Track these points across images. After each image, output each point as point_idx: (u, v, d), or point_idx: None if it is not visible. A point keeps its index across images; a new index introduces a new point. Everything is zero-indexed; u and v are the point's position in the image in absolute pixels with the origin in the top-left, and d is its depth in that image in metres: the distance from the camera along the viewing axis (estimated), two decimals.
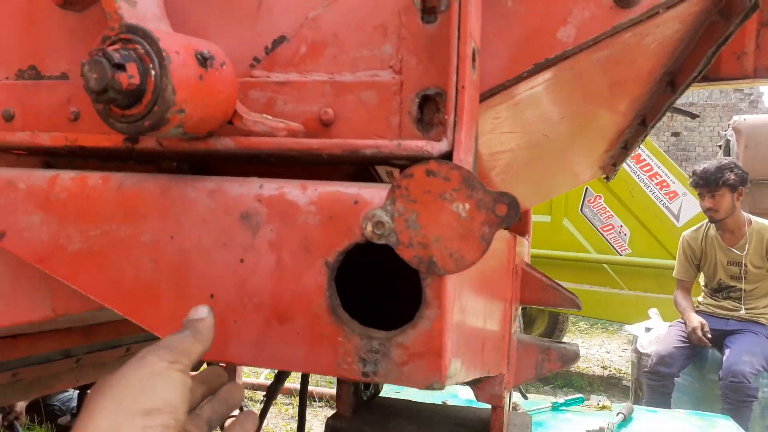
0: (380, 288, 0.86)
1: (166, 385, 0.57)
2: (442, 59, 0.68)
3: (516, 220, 0.56)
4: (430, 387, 0.61)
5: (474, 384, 1.18)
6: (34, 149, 0.79)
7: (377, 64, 0.71)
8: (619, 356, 8.18)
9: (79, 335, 1.49)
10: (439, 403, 1.45)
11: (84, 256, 0.71)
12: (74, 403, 3.13)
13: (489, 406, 1.22)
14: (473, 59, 0.64)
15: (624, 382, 6.75)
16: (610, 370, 7.47)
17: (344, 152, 0.63)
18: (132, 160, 0.81)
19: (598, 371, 7.37)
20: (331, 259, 0.63)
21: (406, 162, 0.67)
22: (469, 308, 0.71)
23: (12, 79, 0.86)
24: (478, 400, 1.20)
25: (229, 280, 0.66)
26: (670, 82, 1.09)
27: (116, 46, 0.57)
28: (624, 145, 1.78)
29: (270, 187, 0.65)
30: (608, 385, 6.54)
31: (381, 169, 0.82)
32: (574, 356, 1.36)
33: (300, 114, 0.73)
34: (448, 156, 0.61)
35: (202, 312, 0.65)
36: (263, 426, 1.92)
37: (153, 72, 0.57)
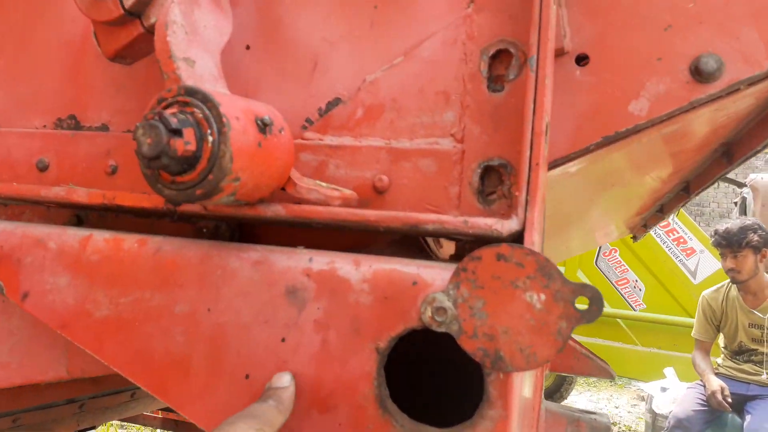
0: (417, 369, 0.80)
1: None
2: (508, 129, 0.64)
3: (598, 316, 0.50)
4: None
5: None
6: (66, 204, 0.75)
7: (438, 131, 0.67)
8: (629, 412, 7.84)
9: (88, 385, 1.42)
10: None
11: (111, 324, 0.66)
12: None
13: None
14: (545, 134, 0.60)
15: None
16: (620, 427, 7.16)
17: (403, 226, 0.58)
18: (167, 218, 0.77)
19: None
20: (383, 345, 0.57)
21: (468, 238, 0.62)
22: (524, 397, 0.65)
23: (50, 128, 0.83)
24: None
25: (267, 360, 0.61)
26: (726, 153, 1.05)
27: (173, 110, 0.54)
28: (660, 209, 1.72)
29: (320, 260, 0.60)
30: None
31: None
32: (606, 429, 1.27)
33: (352, 179, 0.69)
34: (518, 236, 0.56)
35: (284, 380, 0.60)
36: None
37: (211, 138, 0.53)
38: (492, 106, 0.66)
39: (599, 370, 1.29)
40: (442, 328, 0.54)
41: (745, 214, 6.56)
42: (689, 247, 5.94)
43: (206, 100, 0.53)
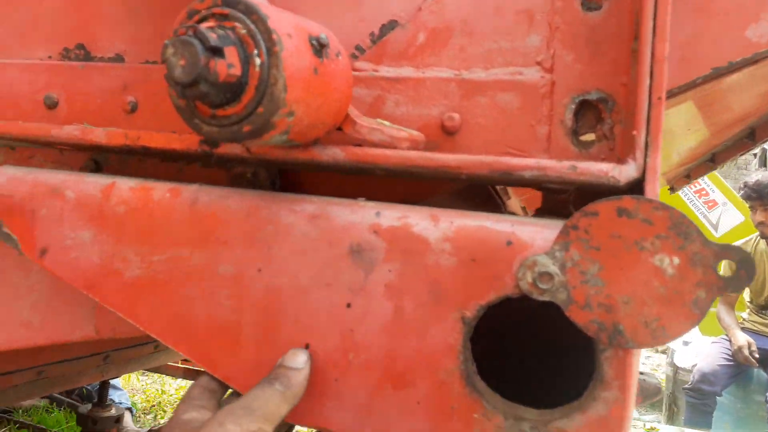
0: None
1: None
2: (609, 56, 0.53)
3: (749, 283, 0.41)
4: None
5: None
6: (82, 146, 0.65)
7: (520, 59, 0.56)
8: (642, 363, 7.98)
9: (108, 341, 1.37)
10: None
11: (144, 285, 0.58)
12: (95, 392, 3.06)
13: None
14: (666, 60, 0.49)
15: None
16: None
17: (492, 172, 0.49)
18: (198, 162, 0.67)
19: None
20: (470, 314, 0.48)
21: (565, 187, 0.52)
22: None
23: (56, 59, 0.72)
24: None
25: (330, 329, 0.52)
26: None
27: (209, 23, 0.43)
28: (711, 158, 1.59)
29: (390, 215, 0.51)
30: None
31: None
32: (656, 391, 1.22)
33: (415, 119, 0.58)
34: (637, 186, 0.46)
35: (299, 360, 0.52)
36: None
37: (258, 61, 0.42)
38: (588, 27, 0.54)
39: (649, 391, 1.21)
40: (545, 296, 0.45)
41: (765, 166, 6.42)
42: (711, 200, 5.83)
43: (250, 11, 0.42)
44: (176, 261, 0.56)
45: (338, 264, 0.52)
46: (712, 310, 4.11)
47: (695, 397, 3.58)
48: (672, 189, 2.01)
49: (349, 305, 0.52)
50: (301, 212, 0.53)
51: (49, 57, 0.72)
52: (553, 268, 0.45)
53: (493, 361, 0.52)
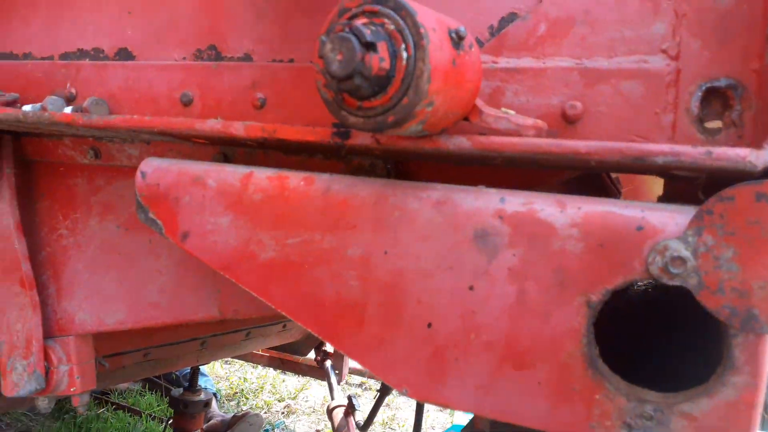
0: None
1: None
2: (740, 42, 0.53)
3: None
4: None
5: None
6: (217, 139, 0.71)
7: (644, 47, 0.56)
8: None
9: (214, 325, 1.47)
10: None
11: (277, 266, 0.63)
12: (182, 378, 3.25)
13: None
14: None
15: None
16: None
17: (624, 158, 0.49)
18: (320, 154, 0.72)
19: None
20: (595, 299, 0.50)
21: (697, 173, 0.52)
22: None
23: (190, 59, 0.79)
24: None
25: (452, 310, 0.55)
26: None
27: (361, 20, 0.46)
28: None
29: (515, 201, 0.53)
30: None
31: None
32: None
33: (535, 108, 0.60)
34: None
35: None
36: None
37: (405, 54, 0.45)
38: (717, 14, 0.54)
39: None
40: (676, 281, 0.46)
41: None
42: None
43: (399, 7, 0.45)
44: (308, 244, 0.61)
45: (462, 248, 0.54)
46: None
47: None
48: None
49: (471, 288, 0.54)
50: (427, 199, 0.56)
51: (184, 58, 0.79)
52: (686, 253, 0.45)
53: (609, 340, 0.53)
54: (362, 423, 2.00)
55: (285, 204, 0.62)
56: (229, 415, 2.89)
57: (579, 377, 0.51)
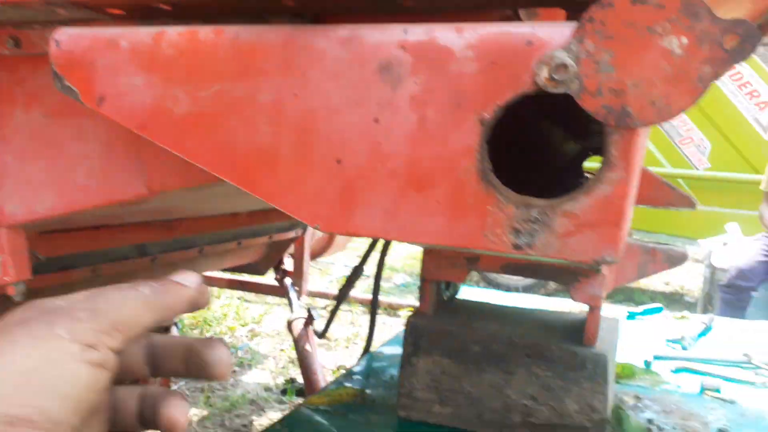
0: None
1: (58, 384, 0.36)
2: None
3: (751, 53, 0.43)
4: (599, 262, 0.50)
5: (571, 284, 1.08)
6: (132, 5, 0.70)
7: None
8: (683, 274, 7.89)
9: (157, 230, 1.46)
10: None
11: (192, 120, 0.63)
12: None
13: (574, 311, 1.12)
14: None
15: (687, 298, 6.52)
16: (673, 286, 7.24)
17: None
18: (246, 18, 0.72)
19: (660, 287, 7.13)
20: (488, 115, 0.52)
21: None
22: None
23: None
24: (574, 300, 1.10)
25: (360, 143, 0.57)
26: None
27: None
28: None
29: (417, 31, 0.54)
30: (671, 301, 6.33)
31: None
32: (682, 257, 1.23)
33: None
34: None
35: (189, 279, 0.48)
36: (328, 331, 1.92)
37: None
38: None
39: (680, 199, 1.23)
40: (560, 88, 0.49)
41: None
42: (763, 101, 5.62)
43: None
44: (220, 94, 0.62)
45: (368, 82, 0.56)
46: (754, 213, 4.02)
47: (730, 293, 3.57)
48: None
49: (377, 120, 0.56)
50: (334, 37, 0.57)
51: None
52: (569, 60, 0.48)
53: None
54: (320, 332, 2.05)
55: (196, 57, 0.62)
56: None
57: (473, 191, 0.53)
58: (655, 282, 7.37)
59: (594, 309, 1.06)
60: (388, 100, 0.55)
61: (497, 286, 5.75)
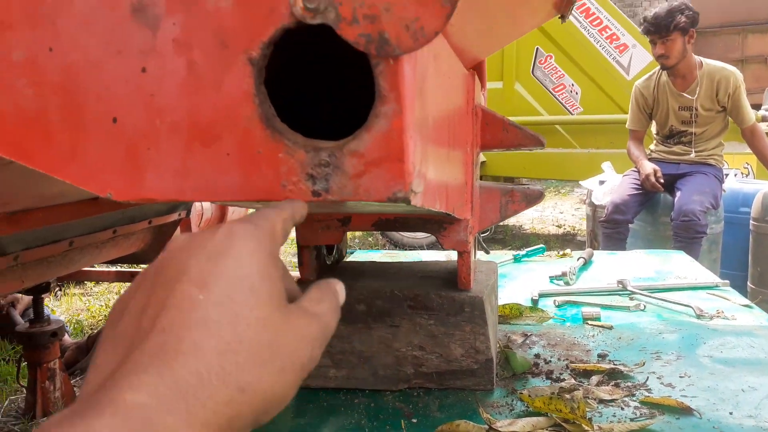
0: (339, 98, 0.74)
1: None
2: None
3: None
4: (393, 199, 0.51)
5: (438, 232, 1.12)
6: None
7: None
8: (572, 215, 8.57)
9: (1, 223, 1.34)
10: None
11: None
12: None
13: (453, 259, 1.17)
14: None
15: (578, 238, 7.10)
16: (565, 228, 7.84)
17: None
18: None
19: (553, 230, 7.72)
20: (255, 54, 0.49)
21: None
22: (429, 117, 0.61)
23: None
24: (444, 248, 1.14)
25: (131, 98, 0.53)
26: None
27: None
28: None
29: None
30: (564, 241, 6.86)
31: None
32: (539, 195, 1.31)
33: None
34: None
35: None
36: None
37: None
38: None
39: (530, 139, 1.29)
40: (317, 19, 0.47)
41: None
42: (622, 44, 5.97)
43: None
44: None
45: (124, 27, 0.51)
46: (622, 151, 4.35)
47: (609, 227, 3.87)
48: (563, 17, 2.03)
49: (144, 69, 0.52)
50: None
51: None
52: None
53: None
54: None
55: None
56: (83, 339, 2.78)
57: (260, 139, 0.51)
58: (549, 226, 7.86)
59: (463, 254, 1.10)
60: (151, 46, 0.51)
61: (403, 246, 5.86)
